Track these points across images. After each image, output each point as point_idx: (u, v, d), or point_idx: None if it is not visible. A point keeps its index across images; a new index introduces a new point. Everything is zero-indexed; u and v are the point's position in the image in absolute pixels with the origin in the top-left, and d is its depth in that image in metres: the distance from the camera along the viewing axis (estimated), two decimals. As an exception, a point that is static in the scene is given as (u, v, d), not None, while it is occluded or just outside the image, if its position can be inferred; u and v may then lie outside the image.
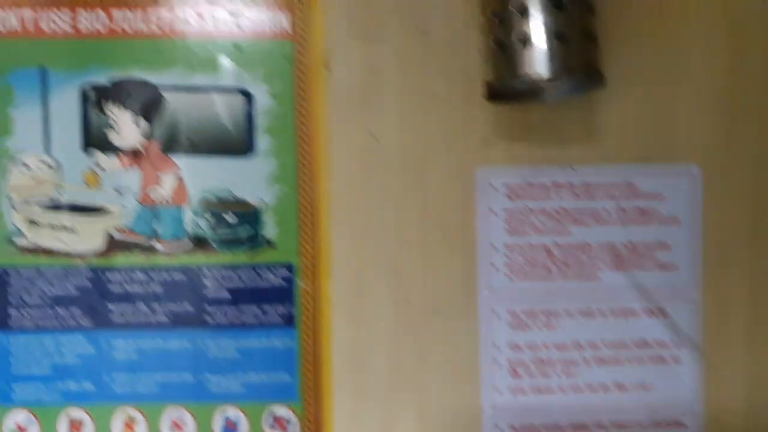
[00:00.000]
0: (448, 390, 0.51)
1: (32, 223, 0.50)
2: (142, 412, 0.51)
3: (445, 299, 0.51)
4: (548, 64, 0.41)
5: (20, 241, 0.50)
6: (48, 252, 0.50)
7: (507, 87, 0.43)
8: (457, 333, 0.51)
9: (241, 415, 0.51)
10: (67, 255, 0.50)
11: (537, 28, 0.41)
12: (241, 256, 0.50)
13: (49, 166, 0.50)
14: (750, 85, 0.50)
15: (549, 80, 0.42)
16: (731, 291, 0.51)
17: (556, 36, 0.41)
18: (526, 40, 0.41)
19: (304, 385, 0.51)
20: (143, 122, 0.49)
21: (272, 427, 0.51)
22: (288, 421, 0.51)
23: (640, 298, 0.52)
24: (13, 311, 0.50)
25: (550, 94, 0.42)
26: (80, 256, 0.50)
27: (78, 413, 0.51)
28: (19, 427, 0.51)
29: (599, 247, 0.51)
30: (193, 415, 0.51)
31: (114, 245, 0.50)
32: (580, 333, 0.52)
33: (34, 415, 0.51)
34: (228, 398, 0.51)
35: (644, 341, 0.52)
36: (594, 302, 0.52)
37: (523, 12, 0.41)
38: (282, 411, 0.51)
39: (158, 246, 0.50)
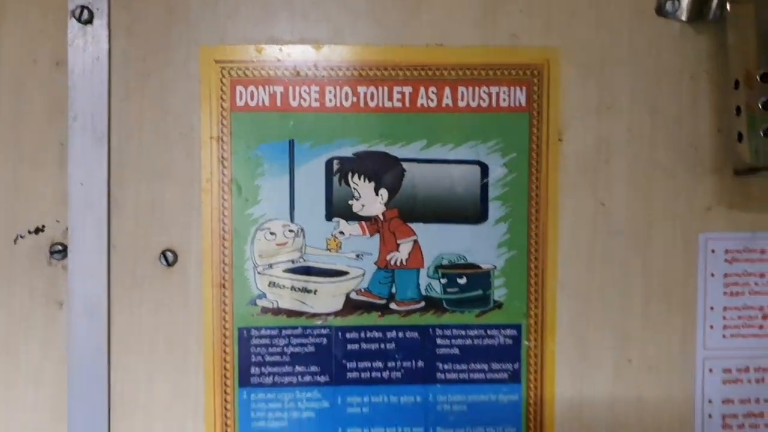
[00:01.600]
0: None
1: (275, 285, 0.54)
2: None
3: (664, 357, 0.55)
4: None
5: (262, 303, 0.54)
6: (289, 312, 0.54)
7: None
8: (673, 389, 0.55)
9: None
10: (307, 315, 0.54)
11: None
12: (470, 317, 0.55)
13: (293, 233, 0.54)
14: None
15: None
16: None
17: None
18: None
19: None
20: (384, 192, 0.53)
21: None
22: None
23: None
24: (254, 369, 0.54)
25: None
26: (319, 316, 0.54)
27: None
28: None
29: None
30: None
31: (352, 306, 0.54)
32: None
33: None
34: None
35: None
36: None
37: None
38: None
39: (393, 306, 0.54)
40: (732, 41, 0.48)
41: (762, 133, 0.47)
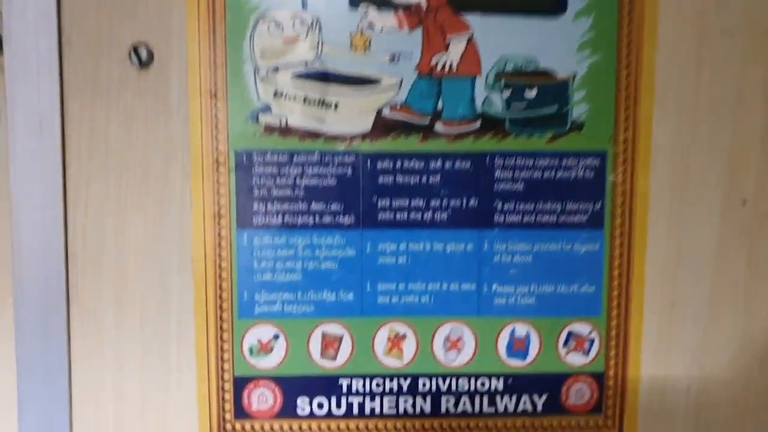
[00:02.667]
0: None
1: (282, 95, 0.41)
2: (411, 327, 0.43)
3: None
4: None
5: (266, 119, 0.41)
6: (301, 133, 0.41)
7: None
8: None
9: (533, 333, 0.43)
10: (325, 137, 0.41)
11: None
12: (541, 142, 0.42)
13: (306, 26, 0.40)
14: None
15: None
16: None
17: None
18: None
19: (610, 299, 0.43)
20: None
21: (569, 346, 0.43)
22: (588, 340, 0.43)
23: None
24: (257, 205, 0.42)
25: None
26: (342, 138, 0.41)
27: (333, 328, 0.43)
28: (262, 344, 0.43)
29: None
30: (473, 332, 0.43)
31: (384, 126, 0.41)
32: None
33: (281, 330, 0.43)
34: (517, 312, 0.43)
35: None
36: None
37: None
38: (582, 328, 0.43)
39: (440, 128, 0.41)
40: None
41: None
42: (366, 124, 0.42)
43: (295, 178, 0.42)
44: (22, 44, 0.40)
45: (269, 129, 0.41)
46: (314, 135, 0.42)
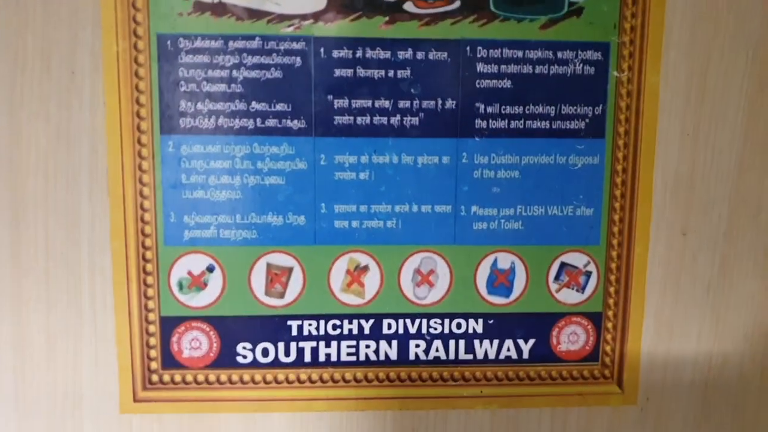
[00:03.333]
0: None
1: None
2: (374, 258, 0.35)
3: None
4: None
5: None
6: (239, 12, 0.33)
7: None
8: None
9: (518, 263, 0.36)
10: (270, 18, 0.33)
11: None
12: (532, 28, 0.34)
13: None
14: None
15: None
16: None
17: None
18: None
19: (611, 224, 0.35)
20: None
21: (561, 281, 0.36)
22: (584, 274, 0.36)
23: None
24: (184, 104, 0.33)
25: None
26: (289, 18, 0.33)
27: (281, 258, 0.35)
28: (194, 277, 0.35)
29: None
30: (448, 263, 0.35)
31: (342, 4, 0.33)
32: None
33: (216, 260, 0.34)
34: (500, 240, 0.35)
35: None
36: None
37: None
38: (577, 259, 0.36)
39: (410, 6, 0.33)
40: None
41: None
42: (320, 1, 0.33)
43: (231, 70, 0.34)
44: None
45: (199, 7, 0.33)
46: (255, 14, 0.33)
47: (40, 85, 0.33)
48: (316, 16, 0.34)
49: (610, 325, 0.37)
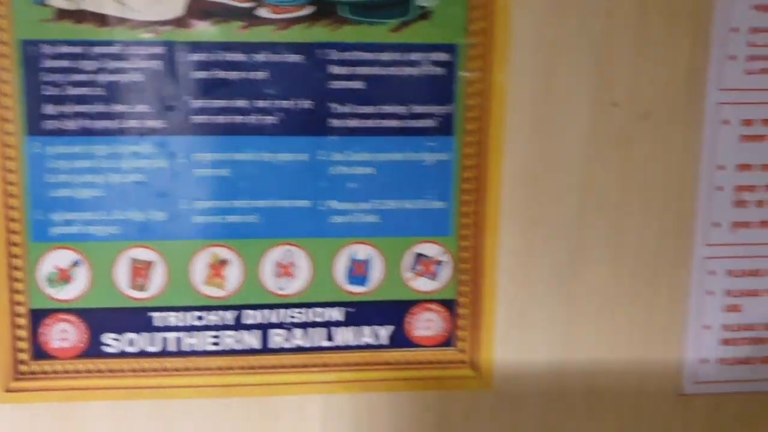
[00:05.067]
0: (650, 224, 0.54)
1: None
2: (235, 251, 0.52)
3: (662, 104, 0.53)
4: None
5: (56, 3, 0.48)
6: (100, 19, 0.49)
7: None
8: (672, 144, 0.53)
9: (375, 255, 0.53)
10: (130, 23, 0.49)
11: None
12: (382, 31, 0.51)
13: None
14: None
15: None
16: None
17: None
18: None
19: (461, 216, 0.53)
20: None
21: (415, 270, 0.53)
22: (437, 262, 0.53)
23: None
24: (48, 108, 0.49)
25: None
26: (149, 25, 0.49)
27: (143, 253, 0.51)
28: (61, 271, 0.51)
29: None
30: (307, 255, 0.52)
31: (200, 9, 0.49)
32: None
33: (82, 255, 0.51)
34: (356, 232, 0.52)
35: None
36: None
37: None
38: (430, 249, 0.53)
39: (265, 12, 0.50)
40: None
41: None
42: (177, 7, 0.49)
43: (93, 74, 0.50)
44: None
45: (62, 15, 0.49)
46: (115, 21, 0.49)
47: None
48: (175, 22, 0.50)
49: (463, 311, 0.55)
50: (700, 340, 0.56)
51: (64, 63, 0.49)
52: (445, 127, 0.52)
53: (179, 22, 0.49)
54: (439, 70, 0.51)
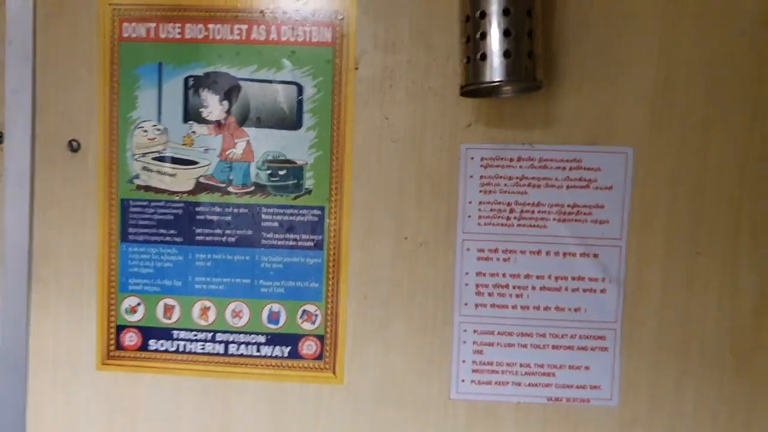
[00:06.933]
0: (429, 300, 1.04)
1: (146, 169, 1.07)
2: (213, 303, 1.07)
3: (432, 237, 1.04)
4: (498, 73, 0.92)
5: (138, 182, 1.07)
6: (155, 189, 1.07)
7: (472, 88, 0.95)
8: (439, 262, 1.04)
9: (282, 309, 1.06)
10: (168, 192, 1.06)
11: (491, 48, 0.91)
12: (288, 199, 1.05)
13: (160, 131, 1.06)
14: (674, 88, 0.96)
15: (499, 85, 0.93)
16: (650, 240, 1.02)
17: (503, 54, 0.92)
18: (485, 56, 0.92)
19: (327, 290, 1.05)
20: (226, 103, 1.04)
21: (303, 318, 1.06)
22: (315, 315, 1.06)
23: (578, 244, 1.03)
24: (131, 229, 1.07)
25: (501, 93, 0.94)
26: (177, 193, 1.06)
27: (170, 301, 1.07)
28: (132, 308, 1.08)
29: (549, 205, 1.03)
30: (248, 307, 1.06)
31: (200, 187, 1.06)
32: (530, 267, 1.04)
33: (142, 300, 1.08)
34: (273, 297, 1.06)
35: (579, 276, 1.04)
36: (542, 245, 1.04)
37: (483, 36, 0.92)
38: (311, 308, 1.06)
39: (231, 189, 1.06)
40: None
41: (478, 58, 0.93)
42: (191, 185, 1.07)
43: (151, 215, 1.08)
44: (13, 136, 1.08)
45: (139, 187, 1.07)
46: (162, 191, 1.07)
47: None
48: (189, 192, 1.08)
49: (327, 341, 1.07)
50: (459, 367, 1.05)
51: (138, 209, 1.07)
52: (318, 246, 1.05)
53: (191, 192, 1.06)
54: (316, 218, 1.05)
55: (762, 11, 0.95)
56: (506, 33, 0.84)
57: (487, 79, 0.85)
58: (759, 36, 0.95)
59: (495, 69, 0.86)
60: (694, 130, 0.96)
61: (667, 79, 0.96)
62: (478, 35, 0.85)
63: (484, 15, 0.84)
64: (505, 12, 0.83)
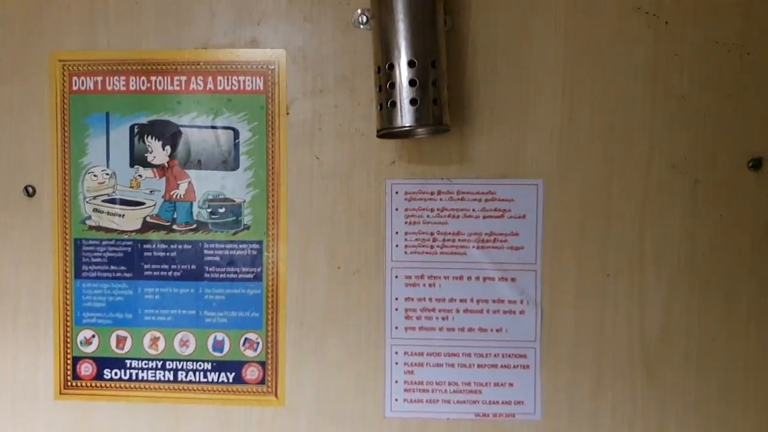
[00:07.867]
0: (362, 325, 1.12)
1: (97, 211, 1.15)
2: (162, 334, 1.15)
3: (364, 266, 1.12)
4: (407, 119, 1.00)
5: (89, 222, 1.15)
6: (106, 229, 1.15)
7: (385, 132, 1.04)
8: (370, 289, 1.12)
9: (226, 338, 1.14)
10: (118, 231, 1.15)
11: (400, 96, 1.00)
12: (228, 235, 1.13)
13: (109, 175, 1.14)
14: (578, 124, 1.05)
15: (410, 129, 1.02)
16: (562, 264, 1.10)
17: (410, 102, 1.01)
18: (394, 104, 1.02)
19: (267, 319, 1.13)
20: (168, 148, 1.13)
21: (246, 346, 1.14)
22: (256, 342, 1.14)
23: (496, 269, 1.12)
24: (84, 267, 1.15)
25: (415, 135, 1.03)
26: (126, 232, 1.15)
27: (122, 332, 1.15)
28: (87, 340, 1.16)
29: (468, 234, 1.12)
30: (194, 336, 1.14)
31: (147, 226, 1.14)
32: (454, 291, 1.12)
33: (96, 332, 1.15)
34: (217, 326, 1.13)
35: (500, 299, 1.12)
36: (464, 271, 1.12)
37: (392, 86, 1.01)
38: (252, 336, 1.13)
39: (176, 227, 1.14)
40: (373, 44, 1.04)
41: (388, 105, 1.02)
42: (138, 224, 1.15)
43: (102, 253, 1.16)
44: (-29, 184, 1.16)
45: (91, 227, 1.15)
46: (112, 230, 1.15)
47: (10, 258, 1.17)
48: (137, 231, 1.16)
49: (269, 367, 1.15)
50: (392, 387, 1.13)
51: (91, 248, 1.15)
52: (258, 277, 1.13)
53: (139, 231, 1.14)
54: (255, 252, 1.13)
55: (648, 56, 1.04)
56: (411, 83, 0.92)
57: (398, 124, 0.93)
58: (649, 76, 1.04)
59: (404, 115, 0.94)
60: (598, 162, 1.04)
61: (571, 117, 1.04)
62: (387, 85, 0.93)
63: (392, 66, 0.92)
64: (411, 64, 0.91)
